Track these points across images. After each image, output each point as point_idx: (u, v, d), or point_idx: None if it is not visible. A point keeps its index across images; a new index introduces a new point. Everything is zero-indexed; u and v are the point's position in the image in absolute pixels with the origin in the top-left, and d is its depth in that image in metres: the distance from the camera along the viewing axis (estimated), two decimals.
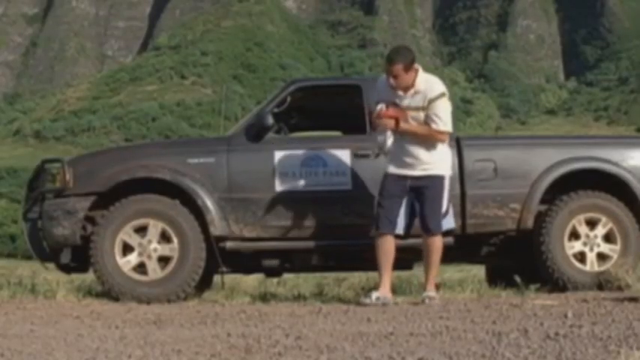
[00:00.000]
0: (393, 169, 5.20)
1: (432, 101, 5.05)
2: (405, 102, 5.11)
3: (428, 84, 5.09)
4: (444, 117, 5.07)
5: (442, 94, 5.09)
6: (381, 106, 5.13)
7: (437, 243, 5.15)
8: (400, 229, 5.19)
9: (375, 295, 5.08)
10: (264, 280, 7.70)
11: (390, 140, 5.13)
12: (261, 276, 6.98)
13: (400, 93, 5.11)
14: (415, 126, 5.09)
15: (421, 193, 5.13)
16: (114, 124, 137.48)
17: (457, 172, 5.75)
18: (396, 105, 5.13)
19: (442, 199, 5.16)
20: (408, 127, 5.08)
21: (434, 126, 5.06)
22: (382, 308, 4.83)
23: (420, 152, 5.11)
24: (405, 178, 5.16)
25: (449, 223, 5.30)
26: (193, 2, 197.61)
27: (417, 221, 5.24)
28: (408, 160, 5.14)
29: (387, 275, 5.19)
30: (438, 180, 5.13)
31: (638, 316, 4.14)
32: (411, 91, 5.09)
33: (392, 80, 5.05)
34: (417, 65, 5.09)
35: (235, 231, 5.62)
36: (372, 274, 6.09)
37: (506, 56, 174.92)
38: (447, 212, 5.23)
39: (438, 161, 5.14)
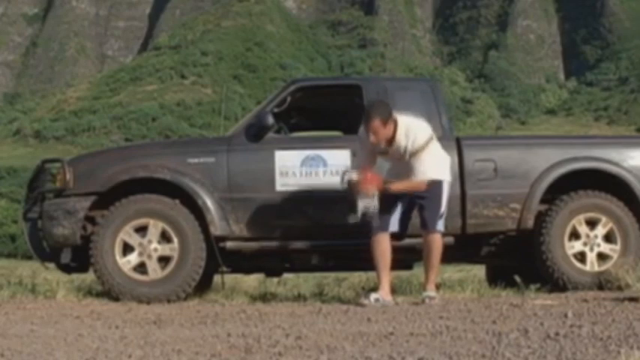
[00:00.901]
0: (385, 177, 5.23)
1: (413, 154, 5.04)
2: (390, 152, 5.13)
3: (409, 137, 5.03)
4: (423, 168, 5.05)
5: (424, 145, 5.04)
6: (349, 175, 5.07)
7: (437, 242, 5.15)
8: (395, 226, 5.20)
9: (374, 296, 5.08)
10: (264, 280, 7.70)
11: (374, 204, 5.03)
12: (261, 276, 6.99)
13: (383, 145, 5.09)
14: (398, 184, 5.09)
15: (420, 196, 5.14)
16: (114, 124, 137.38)
17: (457, 172, 5.76)
18: (383, 152, 5.14)
19: (441, 201, 5.16)
20: (390, 187, 5.08)
21: (413, 178, 5.06)
22: (382, 308, 4.83)
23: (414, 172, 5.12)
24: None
25: (441, 225, 5.26)
26: (193, 2, 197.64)
27: (414, 220, 5.25)
28: (404, 175, 5.18)
29: (385, 276, 5.20)
30: (436, 184, 5.13)
31: (638, 316, 4.14)
32: (394, 144, 5.07)
33: (372, 136, 5.00)
34: (395, 116, 5.05)
35: (235, 231, 5.62)
36: (372, 274, 6.08)
37: (506, 56, 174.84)
38: (443, 215, 5.21)
39: (435, 167, 5.13)
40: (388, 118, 5.00)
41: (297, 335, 3.62)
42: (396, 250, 5.72)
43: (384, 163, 5.33)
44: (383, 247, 5.17)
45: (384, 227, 5.16)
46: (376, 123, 4.96)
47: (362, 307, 4.93)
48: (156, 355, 3.17)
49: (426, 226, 5.14)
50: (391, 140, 5.06)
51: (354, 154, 5.67)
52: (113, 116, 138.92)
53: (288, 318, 4.42)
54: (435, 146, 5.15)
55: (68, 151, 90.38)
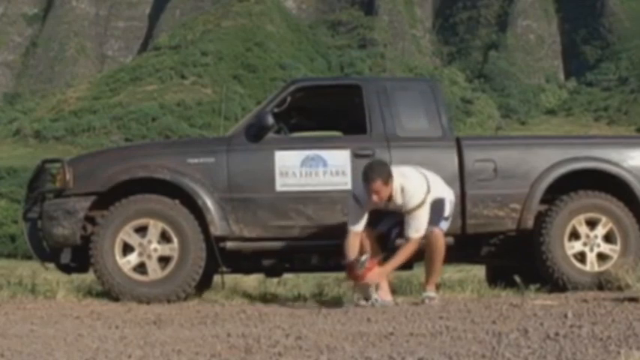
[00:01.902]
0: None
1: (409, 212, 5.06)
2: (385, 207, 5.15)
3: (405, 194, 5.05)
4: (417, 225, 5.04)
5: (419, 205, 5.04)
6: (357, 263, 4.97)
7: (439, 239, 5.13)
8: (384, 227, 5.26)
9: (373, 296, 5.08)
10: (264, 280, 7.69)
11: (373, 288, 5.04)
12: (261, 276, 6.98)
13: (380, 203, 5.09)
14: (395, 263, 5.08)
15: (399, 213, 5.19)
16: (114, 124, 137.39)
17: (457, 172, 5.76)
18: (379, 208, 5.14)
19: (444, 207, 5.20)
20: (391, 267, 5.10)
21: (407, 231, 5.06)
22: (382, 308, 4.83)
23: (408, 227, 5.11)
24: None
25: (444, 226, 5.29)
26: (193, 2, 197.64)
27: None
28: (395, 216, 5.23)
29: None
30: (436, 201, 5.16)
31: (638, 316, 4.14)
32: (391, 203, 5.11)
33: (375, 197, 4.99)
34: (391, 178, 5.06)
35: (235, 231, 5.62)
36: None
37: (506, 56, 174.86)
38: (448, 217, 5.24)
39: (431, 190, 5.14)
40: (389, 178, 5.02)
41: (297, 335, 3.62)
42: (395, 251, 5.72)
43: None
44: (369, 243, 5.19)
45: (374, 225, 5.19)
46: (378, 184, 4.97)
47: (361, 307, 4.93)
48: (156, 355, 3.17)
49: (430, 224, 5.13)
50: (389, 198, 5.09)
51: (354, 155, 5.67)
52: (113, 116, 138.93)
53: (288, 318, 4.42)
54: (434, 191, 5.14)
55: (68, 151, 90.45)
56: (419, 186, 5.10)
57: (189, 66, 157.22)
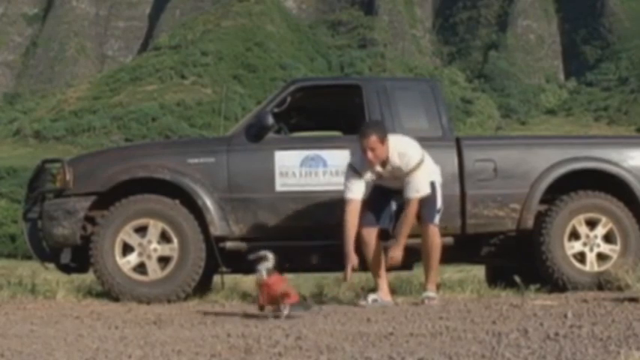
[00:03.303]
0: (376, 182, 5.24)
1: (408, 173, 5.02)
2: (385, 174, 5.12)
3: (403, 157, 5.02)
4: (417, 185, 5.00)
5: (418, 165, 5.02)
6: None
7: (436, 236, 5.10)
8: (385, 223, 5.20)
9: (372, 297, 5.08)
10: None
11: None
12: None
13: (378, 168, 5.07)
14: (404, 230, 5.01)
15: (401, 195, 5.13)
16: (114, 124, 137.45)
17: (457, 172, 5.76)
18: (377, 178, 5.12)
19: (436, 198, 5.15)
20: (403, 238, 5.00)
21: (407, 193, 5.00)
22: (382, 309, 4.83)
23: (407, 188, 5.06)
24: (387, 187, 5.23)
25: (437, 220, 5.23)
26: (193, 2, 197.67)
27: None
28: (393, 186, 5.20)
29: (382, 277, 5.19)
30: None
31: (638, 316, 4.14)
32: (388, 166, 5.06)
33: (370, 154, 4.96)
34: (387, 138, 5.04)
35: (235, 231, 5.62)
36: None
37: (506, 56, 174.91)
38: (440, 210, 5.18)
39: (427, 182, 5.10)
40: (385, 136, 5.00)
41: (297, 335, 3.62)
42: None
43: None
44: (371, 246, 5.14)
45: (372, 223, 5.14)
46: (373, 139, 4.94)
47: (361, 308, 4.93)
48: (156, 355, 3.17)
49: (424, 220, 5.10)
50: (385, 162, 5.06)
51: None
52: (113, 116, 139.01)
53: (288, 318, 4.41)
54: (427, 162, 5.13)
55: (68, 151, 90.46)
56: (415, 147, 5.09)
57: (189, 66, 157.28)
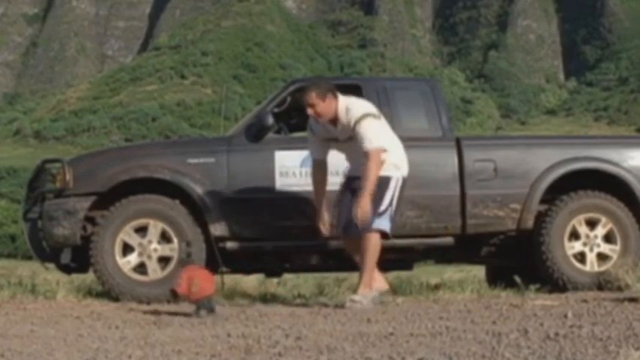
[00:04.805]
0: (348, 172, 5.25)
1: (355, 125, 4.93)
2: (340, 136, 5.06)
3: (349, 112, 4.96)
4: (369, 135, 4.88)
5: (363, 116, 4.92)
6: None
7: (370, 241, 4.92)
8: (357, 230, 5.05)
9: (355, 297, 4.94)
10: (264, 280, 7.70)
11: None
12: (261, 276, 6.98)
13: (331, 128, 5.03)
14: (368, 184, 4.83)
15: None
16: (114, 124, 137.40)
17: (457, 172, 5.76)
18: (332, 139, 5.09)
19: (383, 198, 4.95)
20: (367, 192, 4.81)
21: (362, 147, 4.89)
22: (382, 308, 4.83)
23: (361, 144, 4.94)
24: (352, 179, 5.14)
25: (383, 224, 4.97)
26: (193, 2, 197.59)
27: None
28: (355, 164, 5.13)
29: (368, 274, 5.01)
30: (381, 180, 4.95)
31: (638, 316, 4.14)
32: (339, 125, 5.00)
33: (310, 110, 4.96)
34: (338, 95, 4.99)
35: (235, 231, 5.62)
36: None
37: (506, 56, 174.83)
38: (384, 212, 4.96)
39: (381, 138, 4.98)
40: (325, 93, 4.94)
41: (297, 336, 3.62)
42: (395, 251, 5.72)
43: (340, 156, 5.28)
44: (352, 248, 5.08)
45: (347, 230, 5.05)
46: (312, 95, 4.93)
47: (354, 305, 4.85)
48: (156, 355, 3.17)
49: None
50: (334, 120, 5.01)
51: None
52: (113, 116, 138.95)
53: (288, 318, 4.42)
54: (378, 122, 5.01)
55: (68, 151, 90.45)
56: (364, 104, 5.07)
57: (189, 66, 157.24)
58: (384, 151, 4.95)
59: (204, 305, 4.52)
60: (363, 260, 4.97)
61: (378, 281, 5.09)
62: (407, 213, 5.62)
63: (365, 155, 4.89)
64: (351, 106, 4.99)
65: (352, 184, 5.12)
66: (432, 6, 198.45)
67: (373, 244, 4.93)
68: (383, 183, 4.96)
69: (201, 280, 4.55)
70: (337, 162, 5.63)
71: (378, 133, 4.95)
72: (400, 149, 5.14)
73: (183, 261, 5.01)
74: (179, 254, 5.36)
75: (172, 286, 4.70)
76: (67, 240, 5.56)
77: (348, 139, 5.02)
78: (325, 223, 5.11)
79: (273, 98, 5.94)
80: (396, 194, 5.03)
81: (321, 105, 4.95)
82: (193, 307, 4.56)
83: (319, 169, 5.21)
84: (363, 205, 4.80)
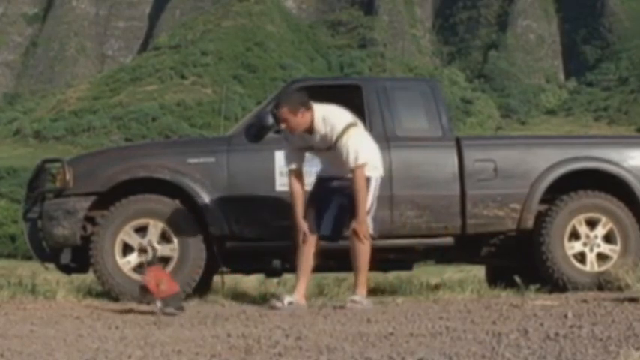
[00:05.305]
0: (320, 173, 5.20)
1: (337, 140, 4.89)
2: (318, 145, 5.02)
3: (328, 123, 4.90)
4: (352, 151, 4.85)
5: (345, 130, 4.88)
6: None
7: (357, 244, 4.96)
8: (327, 230, 5.09)
9: (287, 299, 4.94)
10: (264, 280, 7.69)
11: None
12: (261, 276, 6.98)
13: (307, 137, 4.98)
14: (360, 200, 4.85)
15: (345, 193, 5.01)
16: (114, 124, 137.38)
17: (457, 172, 5.76)
18: (308, 147, 5.03)
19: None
20: (363, 208, 4.86)
21: (348, 163, 4.87)
22: (382, 308, 4.83)
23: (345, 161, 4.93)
24: (330, 179, 5.12)
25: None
26: (193, 2, 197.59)
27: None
28: (329, 167, 5.13)
29: (303, 280, 5.06)
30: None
31: (638, 316, 4.14)
32: (316, 135, 4.95)
33: (283, 125, 4.92)
34: (312, 105, 4.93)
35: (235, 231, 5.62)
36: (374, 274, 6.08)
37: (506, 56, 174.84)
38: (367, 213, 4.97)
39: (364, 151, 4.94)
40: (297, 107, 4.87)
41: (297, 335, 3.62)
42: (395, 251, 5.72)
43: (315, 161, 5.25)
44: (307, 249, 5.03)
45: (312, 229, 5.04)
46: (284, 111, 4.88)
47: (274, 309, 4.83)
48: (156, 355, 3.17)
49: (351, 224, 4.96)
50: (310, 129, 4.95)
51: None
52: (113, 116, 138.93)
53: (288, 318, 4.42)
54: (359, 131, 4.98)
55: (68, 151, 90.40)
56: (342, 113, 4.97)
57: (189, 66, 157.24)
58: (366, 164, 4.93)
59: (172, 302, 4.62)
60: (356, 262, 5.01)
61: (300, 295, 5.00)
62: (407, 213, 5.63)
63: (351, 172, 4.91)
64: (328, 117, 4.93)
65: (325, 185, 5.12)
66: (432, 6, 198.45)
67: (362, 245, 4.97)
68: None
69: (167, 280, 4.72)
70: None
71: (361, 147, 4.91)
72: (376, 149, 5.12)
73: (150, 263, 5.00)
74: (147, 258, 5.28)
75: (142, 283, 4.76)
76: (67, 240, 5.56)
77: (327, 149, 4.99)
78: (307, 232, 4.99)
79: (273, 98, 5.94)
80: (377, 194, 5.05)
81: (292, 120, 4.89)
82: (158, 305, 4.60)
83: (297, 180, 5.05)
84: (360, 224, 4.88)
